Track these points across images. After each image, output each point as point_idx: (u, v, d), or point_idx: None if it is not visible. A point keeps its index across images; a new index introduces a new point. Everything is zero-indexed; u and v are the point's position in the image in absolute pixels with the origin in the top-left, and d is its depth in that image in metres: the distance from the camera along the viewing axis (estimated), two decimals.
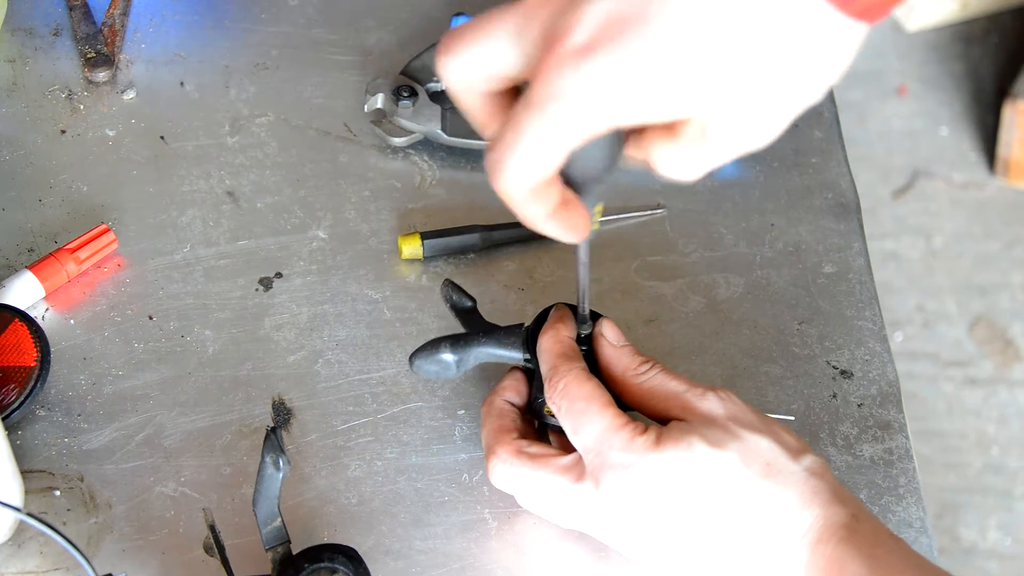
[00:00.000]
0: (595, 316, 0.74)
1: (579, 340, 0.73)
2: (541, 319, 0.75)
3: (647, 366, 0.71)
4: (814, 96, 0.58)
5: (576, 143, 0.57)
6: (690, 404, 0.68)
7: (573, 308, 0.75)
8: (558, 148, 0.57)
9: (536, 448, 0.71)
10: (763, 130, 0.58)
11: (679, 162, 0.60)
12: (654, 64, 0.54)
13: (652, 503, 0.66)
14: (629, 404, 0.71)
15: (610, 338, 0.73)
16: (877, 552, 0.63)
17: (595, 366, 0.73)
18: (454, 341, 0.75)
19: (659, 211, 0.89)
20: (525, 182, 0.58)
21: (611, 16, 0.54)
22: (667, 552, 0.67)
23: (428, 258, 0.86)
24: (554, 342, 0.72)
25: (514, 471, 0.71)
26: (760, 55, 0.55)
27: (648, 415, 0.71)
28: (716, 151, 0.58)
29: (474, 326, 0.77)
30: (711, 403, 0.68)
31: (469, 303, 0.79)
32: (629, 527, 0.68)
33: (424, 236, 0.86)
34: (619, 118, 0.56)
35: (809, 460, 0.67)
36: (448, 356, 0.74)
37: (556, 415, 0.70)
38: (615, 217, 0.89)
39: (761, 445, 0.66)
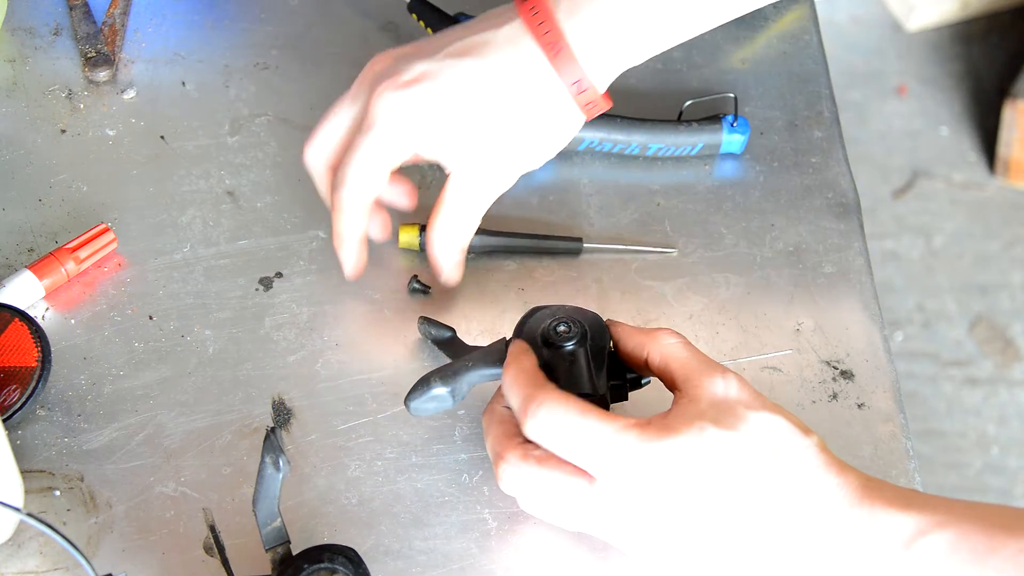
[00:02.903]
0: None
1: (560, 336, 0.73)
2: (520, 329, 0.74)
3: (668, 329, 0.73)
4: (534, 164, 0.82)
5: (394, 160, 0.79)
6: (703, 382, 0.69)
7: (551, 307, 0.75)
8: (383, 160, 0.79)
9: (543, 451, 0.70)
10: (492, 182, 0.80)
11: (441, 224, 0.81)
12: (440, 100, 0.78)
13: (673, 491, 0.66)
14: (648, 366, 0.72)
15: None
16: (915, 501, 0.64)
17: (584, 359, 0.72)
18: (442, 373, 0.74)
19: (671, 251, 0.88)
20: (361, 192, 0.79)
21: (420, 70, 0.79)
22: (690, 542, 0.67)
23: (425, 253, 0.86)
24: (517, 373, 0.71)
25: (525, 474, 0.69)
26: (506, 122, 0.78)
27: (660, 378, 0.72)
28: (459, 203, 0.80)
29: (458, 353, 0.78)
30: (726, 385, 0.68)
31: (448, 333, 0.80)
32: (648, 521, 0.67)
33: (424, 228, 0.86)
34: (417, 139, 0.78)
35: (816, 437, 0.68)
36: (441, 389, 0.74)
37: (547, 446, 0.68)
38: (627, 248, 0.88)
39: (772, 423, 0.67)
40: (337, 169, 0.81)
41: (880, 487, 0.66)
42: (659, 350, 0.72)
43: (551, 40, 0.77)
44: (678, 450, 0.66)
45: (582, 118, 0.80)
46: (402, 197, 0.86)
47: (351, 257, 0.82)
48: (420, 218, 0.89)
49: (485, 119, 0.78)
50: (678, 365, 0.71)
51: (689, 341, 0.72)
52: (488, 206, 0.82)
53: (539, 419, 0.68)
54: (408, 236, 0.86)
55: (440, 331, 0.80)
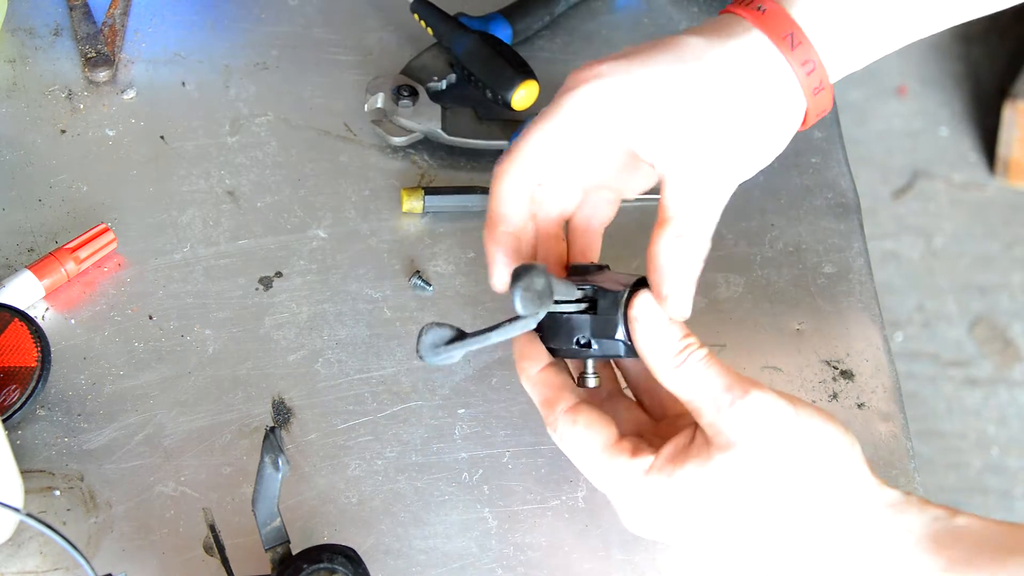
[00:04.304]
0: (600, 267, 0.73)
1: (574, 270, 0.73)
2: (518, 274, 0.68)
3: (685, 342, 0.67)
4: (754, 166, 0.70)
5: (585, 137, 0.68)
6: (719, 414, 0.65)
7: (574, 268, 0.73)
8: (570, 132, 0.69)
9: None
10: (718, 187, 0.68)
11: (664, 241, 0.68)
12: (649, 77, 0.67)
13: (704, 520, 0.66)
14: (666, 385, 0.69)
15: (643, 319, 0.68)
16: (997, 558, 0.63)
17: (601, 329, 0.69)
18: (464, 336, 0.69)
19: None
20: (532, 164, 0.70)
21: (624, 50, 0.69)
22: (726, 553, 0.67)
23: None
24: (533, 385, 0.70)
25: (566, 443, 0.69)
26: (727, 109, 0.67)
27: (680, 397, 0.67)
28: (689, 214, 0.68)
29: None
30: (746, 416, 0.64)
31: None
32: (677, 533, 0.67)
33: (428, 191, 0.87)
34: (620, 120, 0.67)
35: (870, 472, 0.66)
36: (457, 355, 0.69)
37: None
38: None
39: (787, 468, 0.64)
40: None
41: (956, 538, 0.63)
42: (666, 377, 0.67)
43: (776, 20, 0.68)
44: (707, 488, 0.65)
45: (803, 111, 0.70)
46: None
47: (495, 255, 0.71)
48: (425, 181, 0.89)
49: (702, 103, 0.67)
50: (693, 391, 0.66)
51: (699, 342, 0.68)
52: (716, 221, 0.69)
53: (561, 439, 0.69)
54: (412, 200, 0.86)
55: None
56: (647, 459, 0.66)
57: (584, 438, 0.68)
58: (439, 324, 0.68)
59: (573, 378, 0.71)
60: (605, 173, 0.73)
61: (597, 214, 0.75)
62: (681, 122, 0.67)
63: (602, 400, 0.74)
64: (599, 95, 0.68)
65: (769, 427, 0.64)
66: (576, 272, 0.73)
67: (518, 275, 0.64)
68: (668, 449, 0.66)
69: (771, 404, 0.65)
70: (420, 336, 0.68)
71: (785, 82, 0.69)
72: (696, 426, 0.66)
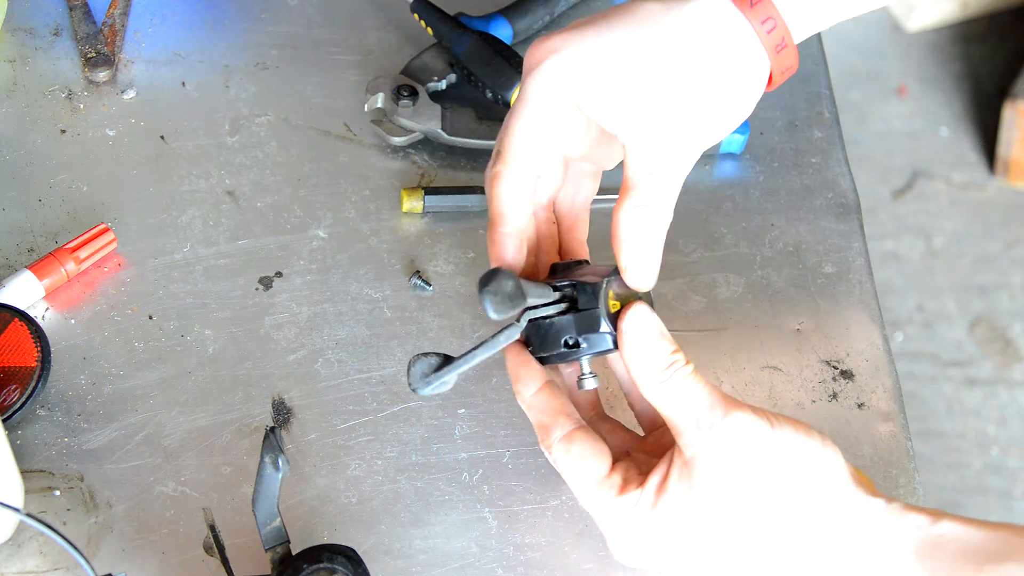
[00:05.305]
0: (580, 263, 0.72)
1: (558, 269, 0.72)
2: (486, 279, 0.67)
3: (672, 358, 0.66)
4: (718, 132, 0.69)
5: (554, 117, 0.68)
6: (698, 435, 0.65)
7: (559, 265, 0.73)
8: (541, 116, 0.68)
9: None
10: (680, 155, 0.67)
11: (629, 208, 0.67)
12: (605, 43, 0.67)
13: (687, 553, 0.66)
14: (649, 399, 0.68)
15: (632, 331, 0.67)
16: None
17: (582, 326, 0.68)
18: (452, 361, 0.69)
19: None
20: (521, 160, 0.69)
21: (581, 21, 0.69)
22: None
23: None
24: (529, 408, 0.70)
25: (560, 466, 0.70)
26: (686, 73, 0.66)
27: (661, 412, 0.67)
28: (649, 185, 0.67)
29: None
30: (723, 440, 0.64)
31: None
32: (656, 564, 0.68)
33: (428, 191, 0.87)
34: (579, 90, 0.67)
35: (851, 468, 0.66)
36: (450, 377, 0.68)
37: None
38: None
39: (773, 485, 0.64)
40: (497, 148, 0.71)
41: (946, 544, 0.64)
42: (652, 393, 0.67)
43: None
44: (688, 517, 0.65)
45: (766, 72, 0.69)
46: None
47: (498, 252, 0.70)
48: (425, 181, 0.89)
49: (660, 69, 0.66)
50: (676, 408, 0.66)
51: (685, 357, 0.67)
52: (678, 190, 0.68)
53: (555, 463, 0.69)
54: (411, 200, 0.86)
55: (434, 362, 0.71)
56: (633, 495, 0.66)
57: (576, 468, 0.68)
58: (425, 354, 0.68)
59: (568, 397, 0.71)
60: (582, 146, 0.72)
61: (581, 190, 0.74)
62: (639, 90, 0.66)
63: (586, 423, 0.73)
64: (556, 71, 0.67)
65: (745, 449, 0.64)
66: (556, 271, 0.72)
67: (485, 281, 0.63)
68: (652, 481, 0.66)
69: (748, 425, 0.64)
70: (409, 369, 0.68)
71: (746, 42, 0.68)
72: (676, 449, 0.66)
